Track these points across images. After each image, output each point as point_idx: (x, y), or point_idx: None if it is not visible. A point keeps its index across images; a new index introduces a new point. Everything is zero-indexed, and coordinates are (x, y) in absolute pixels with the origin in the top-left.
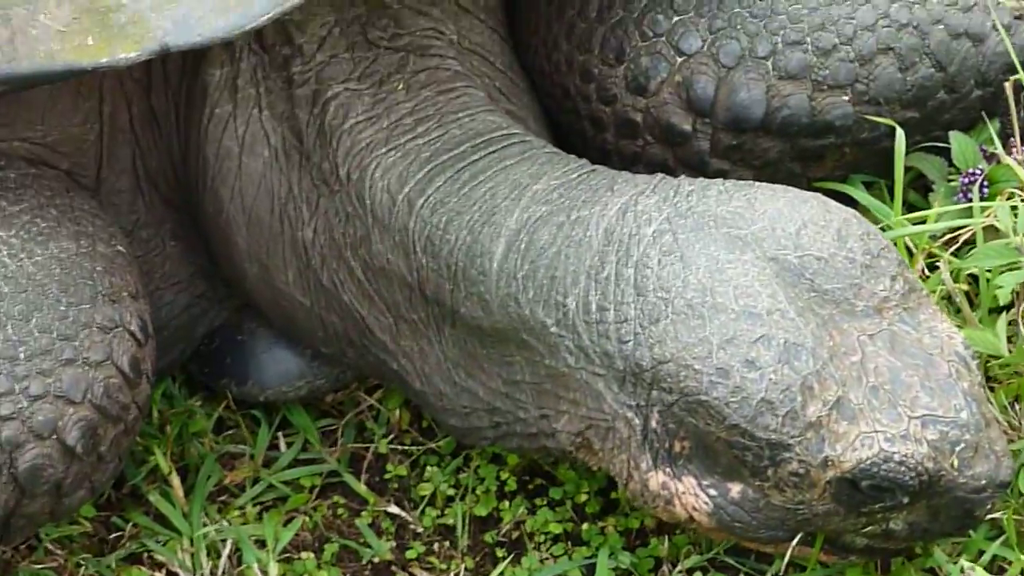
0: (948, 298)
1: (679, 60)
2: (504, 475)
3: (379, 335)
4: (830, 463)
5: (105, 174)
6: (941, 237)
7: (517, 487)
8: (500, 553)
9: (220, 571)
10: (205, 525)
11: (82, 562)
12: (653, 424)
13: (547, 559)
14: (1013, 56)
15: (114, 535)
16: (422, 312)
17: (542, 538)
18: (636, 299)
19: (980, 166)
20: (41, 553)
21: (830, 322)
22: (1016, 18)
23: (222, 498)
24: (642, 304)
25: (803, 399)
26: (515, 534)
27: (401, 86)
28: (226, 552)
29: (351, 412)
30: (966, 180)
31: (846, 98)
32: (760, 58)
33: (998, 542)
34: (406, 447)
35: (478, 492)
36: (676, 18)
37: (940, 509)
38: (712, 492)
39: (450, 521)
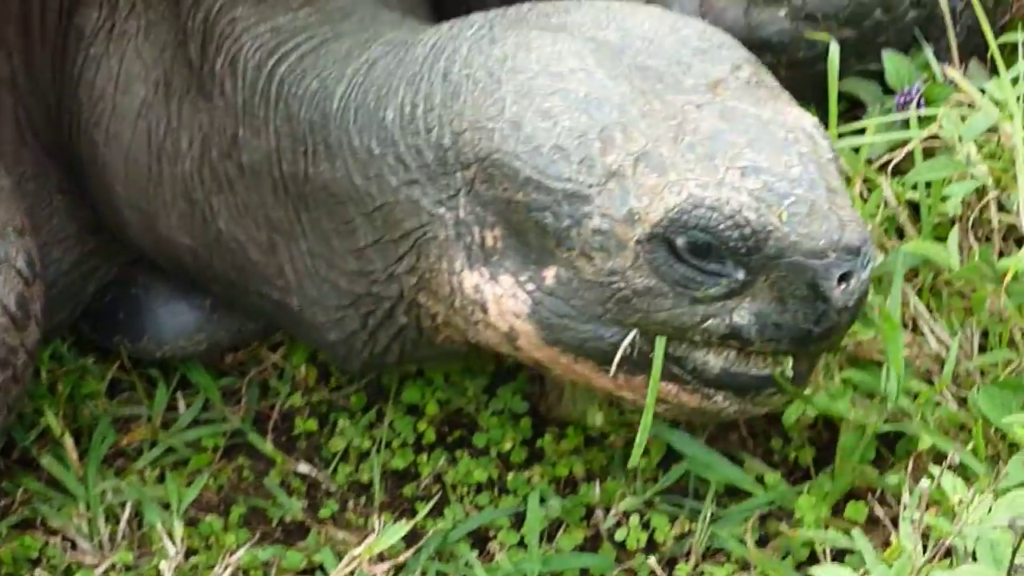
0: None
1: None
2: (422, 427)
3: (255, 257)
4: (636, 216)
5: None
6: (877, 160)
7: (436, 439)
8: (420, 507)
9: (120, 535)
10: (102, 493)
11: None
12: (462, 213)
13: (471, 511)
14: None
15: (4, 502)
16: (284, 207)
17: (465, 489)
18: (443, 85)
19: (916, 85)
20: None
21: (651, 92)
22: None
23: (118, 462)
24: (446, 87)
25: (601, 146)
26: (435, 488)
27: None
28: (125, 515)
29: (254, 370)
30: (901, 99)
31: (783, 13)
32: None
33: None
34: (314, 403)
35: (394, 446)
36: None
37: (784, 289)
38: (529, 287)
39: (365, 477)
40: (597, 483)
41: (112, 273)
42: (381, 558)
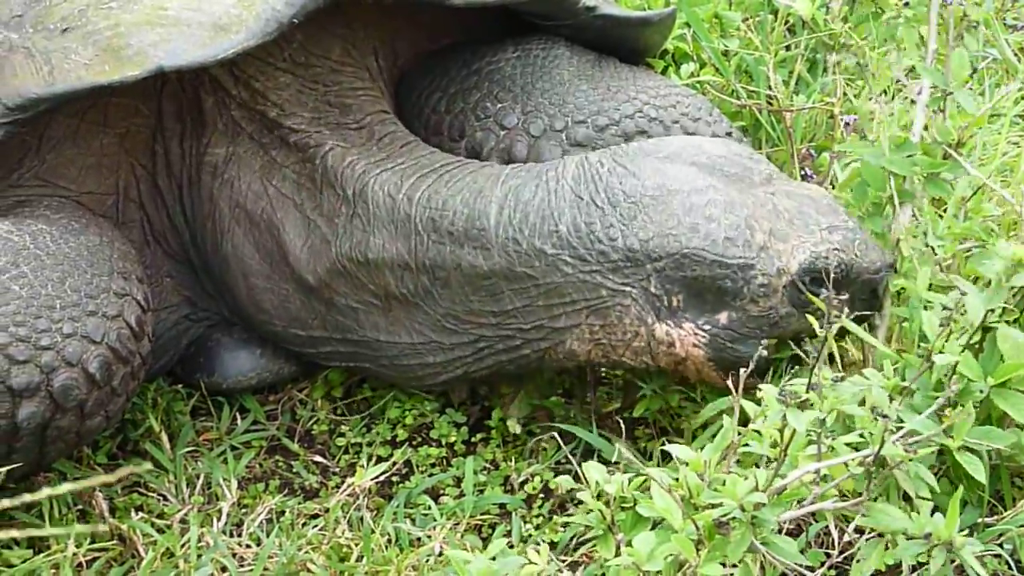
0: None
1: (502, 133)
2: (398, 431)
3: (375, 319)
4: (781, 271)
5: (120, 228)
6: None
7: (406, 439)
8: (395, 478)
9: (196, 491)
10: (185, 468)
11: (97, 488)
12: (653, 288)
13: (428, 479)
14: None
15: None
16: (411, 285)
17: (425, 466)
18: (613, 210)
19: None
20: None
21: (745, 191)
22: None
23: (196, 453)
24: (619, 211)
25: (750, 232)
26: (405, 469)
27: (373, 143)
28: (200, 481)
29: (287, 402)
30: None
31: None
32: (557, 131)
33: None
34: (326, 420)
35: (377, 443)
36: (499, 105)
37: (854, 295)
38: (707, 327)
39: (359, 462)
40: (513, 461)
41: (199, 332)
42: (369, 508)
